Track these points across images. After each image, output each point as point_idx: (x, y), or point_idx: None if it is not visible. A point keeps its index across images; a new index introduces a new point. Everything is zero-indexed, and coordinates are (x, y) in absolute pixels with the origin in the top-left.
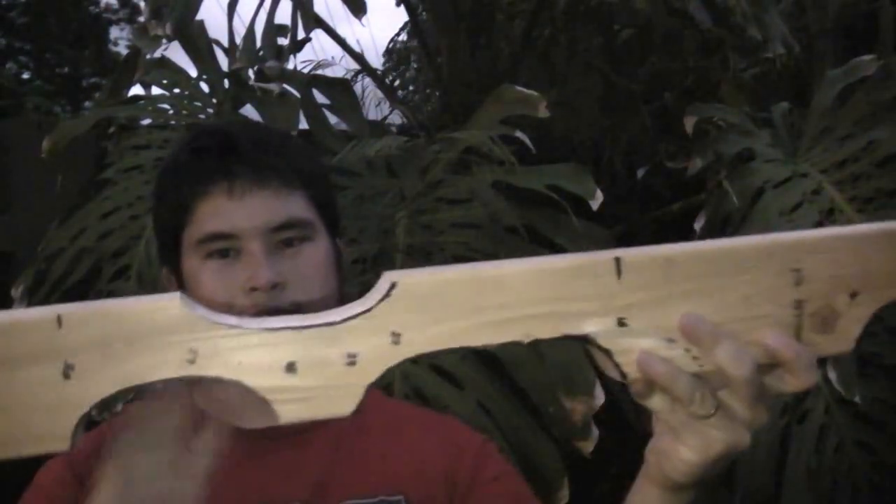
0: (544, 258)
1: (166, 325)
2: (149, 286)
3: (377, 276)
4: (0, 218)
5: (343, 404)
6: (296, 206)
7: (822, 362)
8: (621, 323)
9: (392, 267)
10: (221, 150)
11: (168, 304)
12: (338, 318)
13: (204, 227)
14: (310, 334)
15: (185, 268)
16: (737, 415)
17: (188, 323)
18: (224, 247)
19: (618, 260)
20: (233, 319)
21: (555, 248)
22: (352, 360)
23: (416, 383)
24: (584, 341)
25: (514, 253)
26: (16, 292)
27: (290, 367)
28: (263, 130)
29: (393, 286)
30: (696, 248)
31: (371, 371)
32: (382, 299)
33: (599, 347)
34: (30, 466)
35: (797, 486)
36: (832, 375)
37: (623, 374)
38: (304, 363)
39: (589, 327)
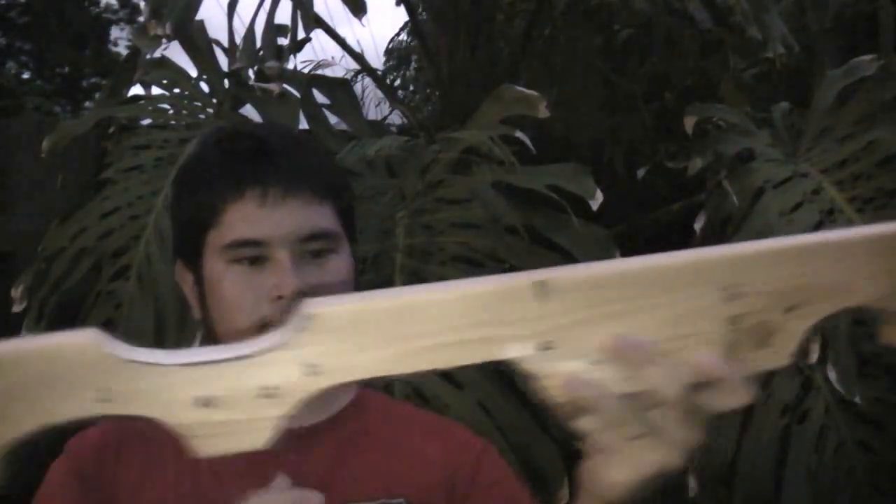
0: (468, 282)
1: (80, 363)
2: (149, 286)
3: (377, 277)
4: (0, 218)
5: (259, 437)
6: (324, 217)
7: (821, 362)
8: (547, 346)
9: (392, 267)
10: (256, 156)
11: (82, 342)
12: (253, 351)
13: (233, 233)
14: (226, 368)
15: (207, 269)
16: (669, 435)
17: (102, 360)
18: (252, 254)
19: (542, 283)
20: (147, 355)
21: (555, 249)
22: (268, 393)
23: (417, 383)
24: (510, 366)
25: (514, 253)
26: (16, 292)
27: (207, 402)
28: (296, 138)
29: (310, 317)
30: (623, 267)
31: (288, 403)
32: (299, 330)
33: (525, 372)
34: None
35: (797, 486)
36: (832, 375)
37: (550, 399)
38: (218, 397)
39: (513, 352)
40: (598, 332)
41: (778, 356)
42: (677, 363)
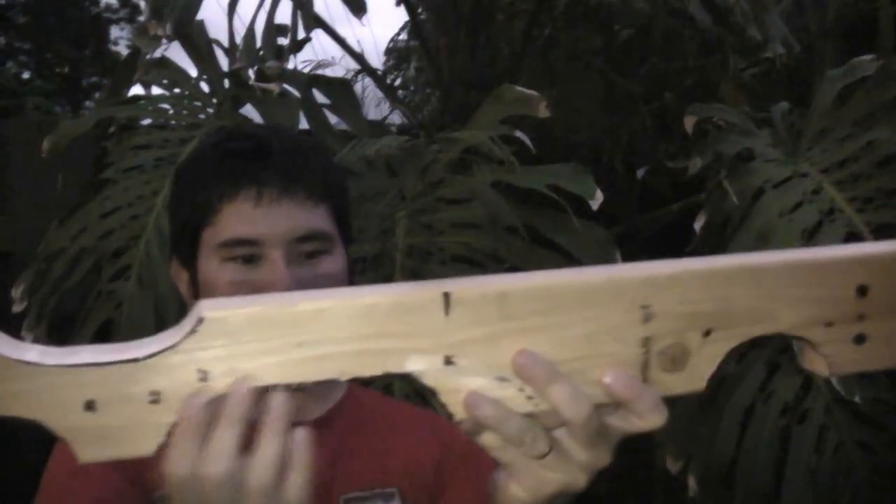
0: (370, 290)
1: None
2: (149, 286)
3: (377, 277)
4: (0, 218)
5: (145, 443)
6: (319, 218)
7: None
8: (449, 361)
9: (392, 267)
10: (254, 155)
11: None
12: (142, 354)
13: (228, 232)
14: (112, 370)
15: (202, 267)
16: (573, 456)
17: None
18: (246, 253)
19: (446, 295)
20: (33, 354)
21: (555, 248)
22: (155, 398)
23: (416, 383)
24: (409, 379)
25: (514, 253)
26: (16, 292)
27: (90, 406)
28: (295, 139)
29: (201, 320)
30: (534, 282)
31: (175, 408)
32: (189, 333)
33: (426, 387)
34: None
35: (797, 486)
36: None
37: (450, 415)
38: (104, 401)
39: (413, 365)
40: (506, 347)
41: (693, 380)
42: (585, 383)
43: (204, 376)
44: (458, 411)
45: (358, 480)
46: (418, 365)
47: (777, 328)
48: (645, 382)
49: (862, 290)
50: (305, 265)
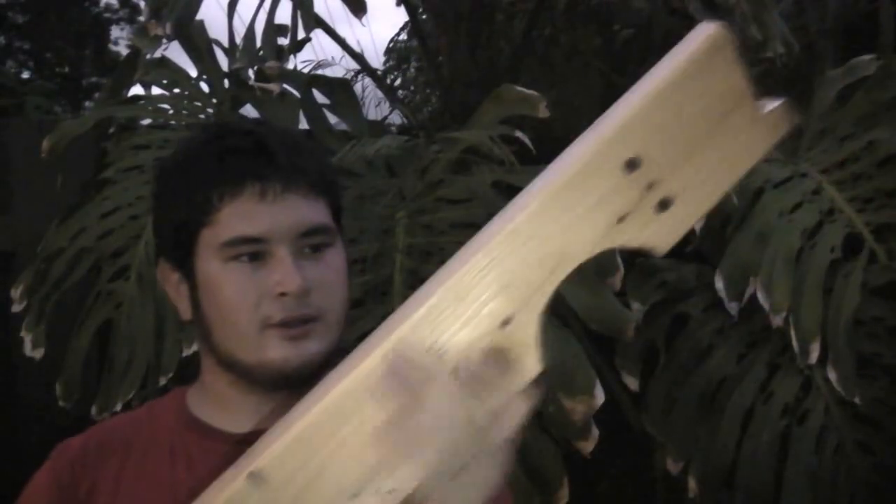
0: None
1: None
2: (149, 286)
3: (377, 277)
4: (0, 218)
5: None
6: (321, 211)
7: (821, 363)
8: None
9: (392, 267)
10: (254, 152)
11: None
12: None
13: (232, 230)
14: None
15: (202, 269)
16: None
17: None
18: (251, 251)
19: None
20: None
21: None
22: None
23: None
24: None
25: None
26: (16, 292)
27: None
28: (289, 133)
29: None
30: (307, 408)
31: None
32: None
33: None
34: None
35: (797, 486)
36: (832, 376)
37: None
38: None
39: None
40: None
41: (528, 366)
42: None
43: None
44: None
45: None
46: None
47: (577, 261)
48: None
49: (631, 164)
50: (311, 259)
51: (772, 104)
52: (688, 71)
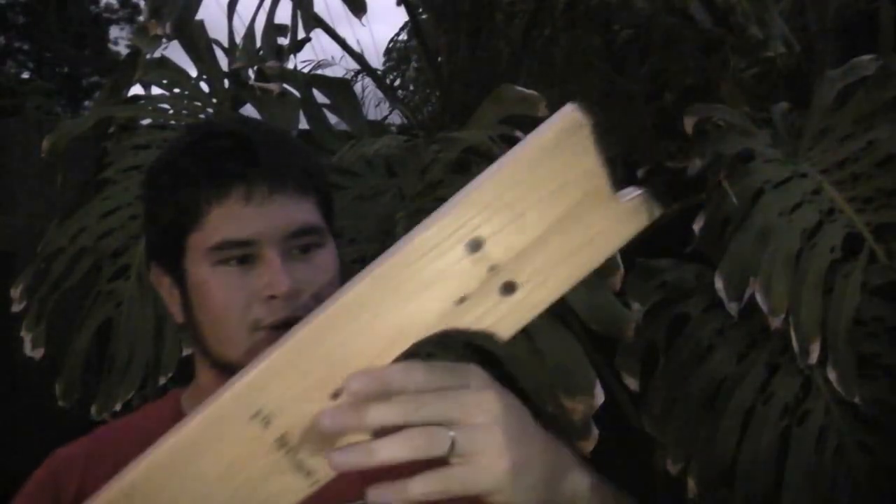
0: None
1: None
2: (149, 286)
3: None
4: (0, 218)
5: None
6: (309, 212)
7: (821, 363)
8: None
9: None
10: (238, 153)
11: None
12: None
13: (219, 234)
14: None
15: (192, 273)
16: None
17: None
18: (240, 254)
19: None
20: None
21: None
22: None
23: None
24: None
25: None
26: (15, 292)
27: None
28: (274, 132)
29: None
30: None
31: None
32: None
33: None
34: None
35: (797, 486)
36: (832, 376)
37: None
38: None
39: None
40: None
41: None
42: None
43: None
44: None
45: (345, 492)
46: None
47: (412, 339)
48: (300, 472)
49: (475, 245)
50: (300, 260)
51: (631, 194)
52: (539, 152)
